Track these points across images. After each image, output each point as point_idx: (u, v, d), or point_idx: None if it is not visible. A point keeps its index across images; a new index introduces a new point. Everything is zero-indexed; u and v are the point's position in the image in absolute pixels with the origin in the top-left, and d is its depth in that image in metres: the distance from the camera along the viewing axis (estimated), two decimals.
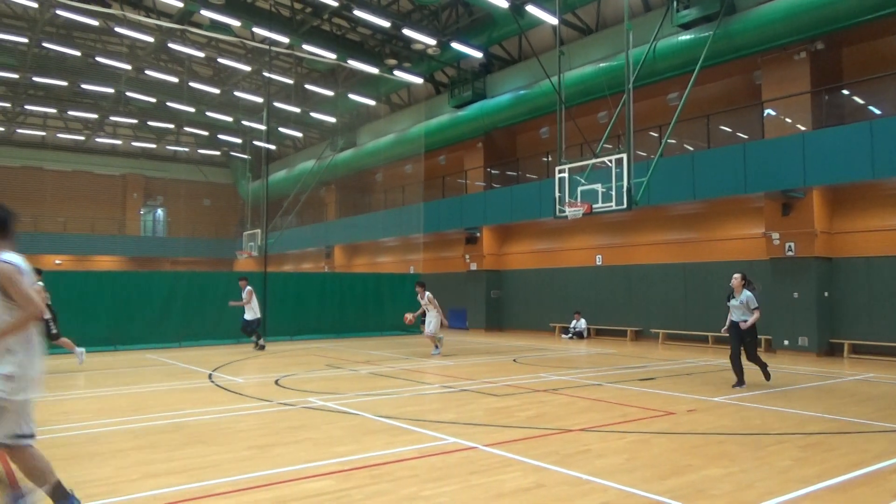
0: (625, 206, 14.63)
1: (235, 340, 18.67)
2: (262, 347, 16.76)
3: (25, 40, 25.84)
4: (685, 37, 17.87)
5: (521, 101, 22.94)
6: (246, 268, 35.02)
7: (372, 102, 29.88)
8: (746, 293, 9.82)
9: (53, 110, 35.43)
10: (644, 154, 18.93)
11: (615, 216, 18.81)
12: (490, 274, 24.92)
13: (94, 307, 16.88)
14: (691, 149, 19.11)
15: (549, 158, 22.12)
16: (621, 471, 5.44)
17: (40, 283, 11.38)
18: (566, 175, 15.79)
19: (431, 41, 22.63)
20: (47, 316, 11.84)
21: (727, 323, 10.15)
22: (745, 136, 18.56)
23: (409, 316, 16.05)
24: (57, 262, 35.35)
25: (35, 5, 22.88)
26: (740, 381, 10.01)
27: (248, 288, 16.36)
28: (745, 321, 9.80)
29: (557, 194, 15.92)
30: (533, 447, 6.26)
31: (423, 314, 15.75)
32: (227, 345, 18.10)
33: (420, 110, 28.64)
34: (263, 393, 9.74)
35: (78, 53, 27.19)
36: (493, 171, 25.69)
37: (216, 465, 5.69)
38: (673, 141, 18.44)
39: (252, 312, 16.41)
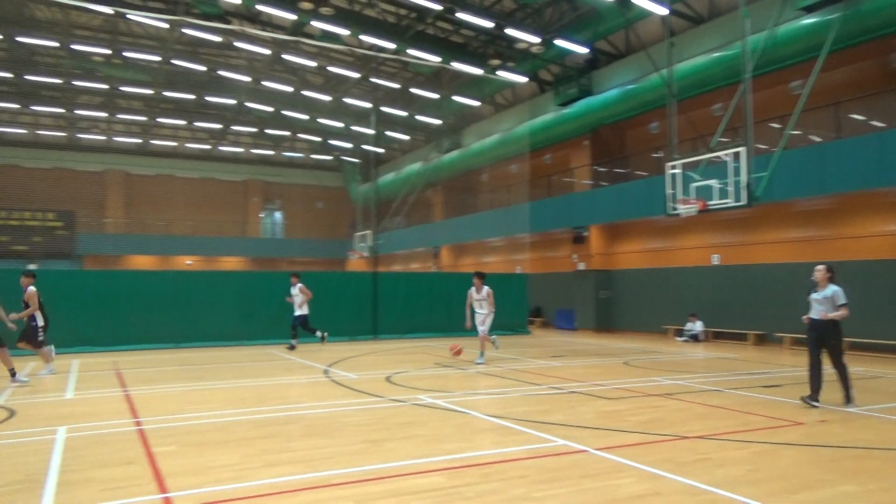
0: (744, 202, 13.86)
1: (349, 338, 19.36)
2: (293, 348, 16.46)
3: (157, 58, 28.06)
4: (808, 20, 16.65)
5: (629, 95, 22.25)
6: (357, 268, 36.26)
7: (476, 103, 30.03)
8: (833, 287, 8.46)
9: (182, 122, 38.23)
10: (764, 147, 17.82)
11: (733, 213, 17.82)
12: (599, 274, 24.36)
13: (222, 304, 18.04)
14: (818, 140, 17.78)
15: (661, 154, 21.32)
16: (744, 482, 5.14)
17: (32, 287, 11.42)
18: (678, 171, 15.16)
19: (535, 39, 22.43)
20: (39, 322, 11.45)
21: (808, 321, 8.70)
22: (882, 125, 17.03)
23: (457, 346, 14.77)
24: (188, 262, 38.18)
25: (166, 26, 24.79)
26: (813, 396, 8.42)
27: (300, 285, 16.29)
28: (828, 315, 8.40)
29: (669, 191, 15.32)
30: (647, 453, 6.05)
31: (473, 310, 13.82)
32: (340, 342, 18.79)
33: (524, 109, 28.47)
34: (376, 389, 10.02)
35: (203, 68, 29.20)
36: (600, 169, 25.10)
37: (332, 456, 5.91)
38: (797, 132, 17.23)
39: (301, 309, 16.26)
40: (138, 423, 7.43)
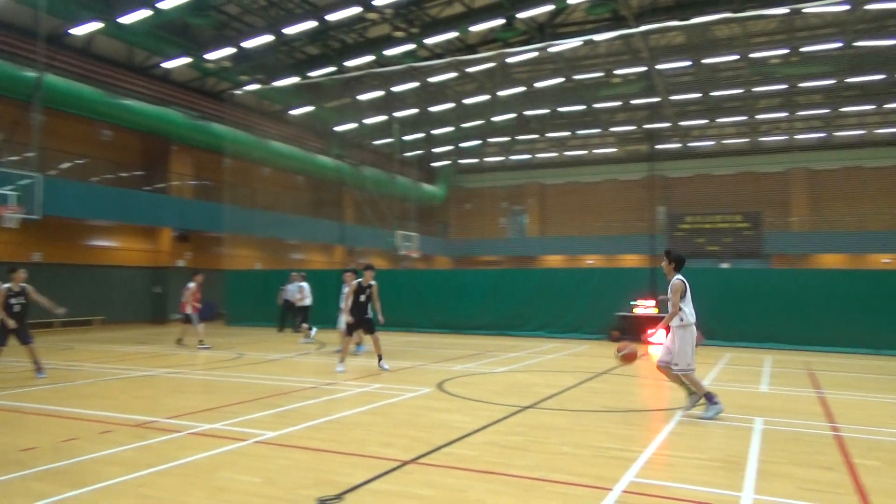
0: None
1: None
2: None
3: (838, 44, 26.34)
4: None
5: None
6: None
7: None
8: None
9: (871, 106, 34.72)
10: None
11: None
12: None
13: None
14: None
15: None
16: None
17: (354, 282, 11.20)
18: None
19: None
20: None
21: None
22: None
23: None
24: (884, 260, 34.28)
25: (845, 8, 23.03)
26: None
27: None
28: None
29: None
30: None
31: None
32: None
33: None
34: None
35: (893, 42, 25.80)
36: None
37: None
38: None
39: None
40: (835, 429, 7.08)
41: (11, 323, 10.31)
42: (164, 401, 8.70)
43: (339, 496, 4.68)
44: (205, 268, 27.91)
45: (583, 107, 35.31)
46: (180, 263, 26.89)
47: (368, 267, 11.72)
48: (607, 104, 35.15)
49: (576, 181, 45.59)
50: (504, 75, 31.24)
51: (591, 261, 41.28)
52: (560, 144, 44.58)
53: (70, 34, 21.73)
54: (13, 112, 18.66)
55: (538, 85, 31.46)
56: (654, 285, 17.19)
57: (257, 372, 11.45)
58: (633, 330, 15.79)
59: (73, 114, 22.54)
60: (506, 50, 24.50)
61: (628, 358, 7.83)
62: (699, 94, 32.99)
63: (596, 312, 18.13)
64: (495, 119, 36.05)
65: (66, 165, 23.76)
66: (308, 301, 18.23)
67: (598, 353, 14.55)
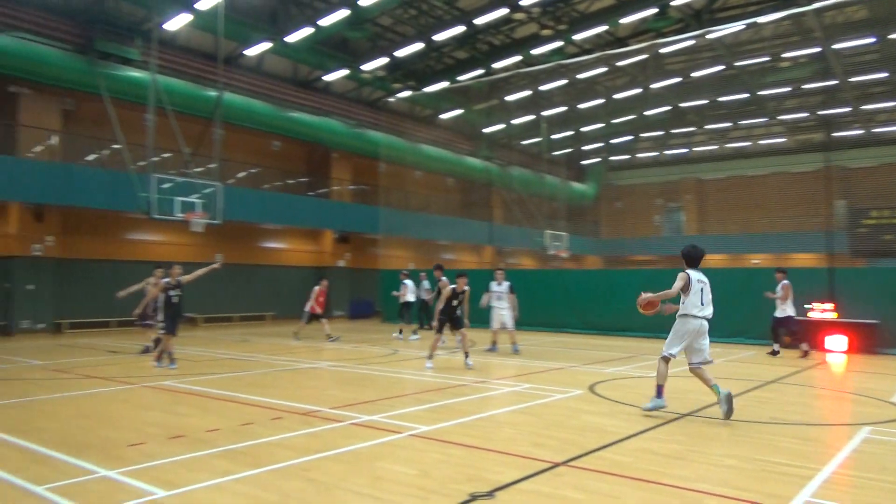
0: None
1: None
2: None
3: None
4: None
5: None
6: None
7: None
8: None
9: None
10: None
11: None
12: None
13: None
14: None
15: None
16: None
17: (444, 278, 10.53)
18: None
19: None
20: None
21: None
22: None
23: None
24: None
25: None
26: None
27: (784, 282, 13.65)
28: None
29: None
30: None
31: None
32: None
33: None
34: None
35: None
36: None
37: None
38: None
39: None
40: None
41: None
42: (328, 392, 9.28)
43: (490, 493, 4.71)
44: (362, 268, 29.45)
45: (746, 95, 32.93)
46: (341, 263, 28.56)
47: (462, 274, 12.30)
48: (774, 91, 32.51)
49: (738, 175, 42.56)
50: (657, 67, 29.91)
51: (756, 260, 38.35)
52: (720, 136, 41.90)
53: (244, 55, 23.87)
54: (198, 128, 20.82)
55: (695, 74, 29.77)
56: (831, 286, 15.61)
57: (411, 368, 11.87)
58: (807, 335, 14.44)
59: (247, 127, 24.75)
60: (659, 40, 23.39)
61: (648, 306, 7.74)
62: (885, 74, 29.49)
63: (762, 316, 16.79)
64: (648, 113, 34.64)
65: (241, 175, 26.14)
66: (410, 298, 18.92)
67: (765, 360, 13.46)
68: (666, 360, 7.62)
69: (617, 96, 32.41)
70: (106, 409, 7.97)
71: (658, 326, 18.47)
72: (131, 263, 21.34)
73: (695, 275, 7.58)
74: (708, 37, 24.06)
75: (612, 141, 41.79)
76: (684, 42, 24.28)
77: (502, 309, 14.19)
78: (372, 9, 21.76)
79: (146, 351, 13.65)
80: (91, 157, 21.89)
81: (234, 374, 10.92)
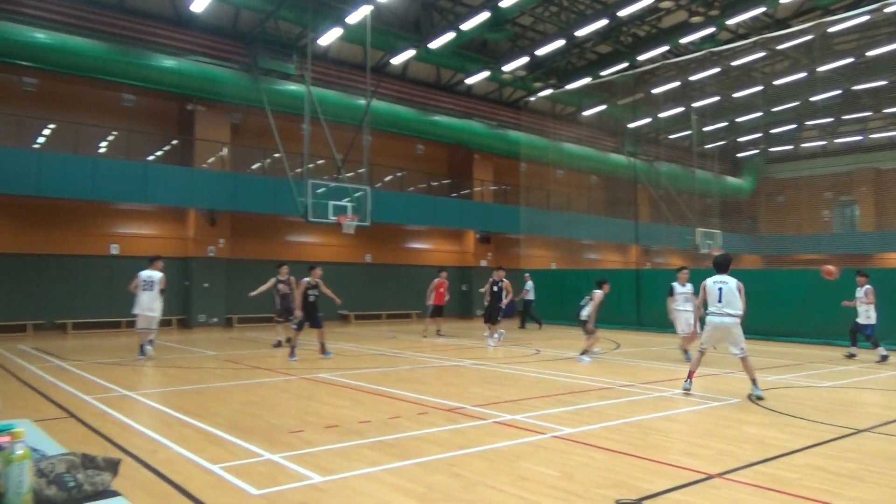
0: None
1: None
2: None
3: None
4: None
5: None
6: None
7: None
8: None
9: None
10: None
11: None
12: None
13: None
14: None
15: None
16: None
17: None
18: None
19: None
20: None
21: None
22: None
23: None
24: None
25: None
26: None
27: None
28: None
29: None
30: None
31: None
32: None
33: None
34: None
35: None
36: None
37: None
38: None
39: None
40: None
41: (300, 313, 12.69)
42: (471, 389, 9.42)
43: (638, 502, 4.54)
44: (504, 267, 29.59)
45: None
46: (483, 263, 28.87)
47: (499, 268, 16.83)
48: None
49: None
50: (825, 48, 27.27)
51: None
52: None
53: (390, 63, 24.86)
54: (348, 135, 22.00)
55: (871, 53, 26.81)
56: None
57: (554, 369, 11.74)
58: None
59: (392, 133, 25.75)
60: (827, 19, 21.34)
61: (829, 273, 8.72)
62: None
63: None
64: (814, 99, 31.68)
65: (388, 178, 27.22)
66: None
67: None
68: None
69: (777, 82, 30.00)
70: (270, 398, 8.64)
71: (830, 333, 16.91)
72: (291, 263, 22.96)
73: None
74: (886, 10, 21.57)
75: (772, 131, 38.70)
76: (857, 18, 21.95)
77: (689, 312, 12.89)
78: (512, 9, 21.77)
79: (278, 345, 14.76)
80: (255, 166, 23.87)
81: (384, 370, 11.40)
